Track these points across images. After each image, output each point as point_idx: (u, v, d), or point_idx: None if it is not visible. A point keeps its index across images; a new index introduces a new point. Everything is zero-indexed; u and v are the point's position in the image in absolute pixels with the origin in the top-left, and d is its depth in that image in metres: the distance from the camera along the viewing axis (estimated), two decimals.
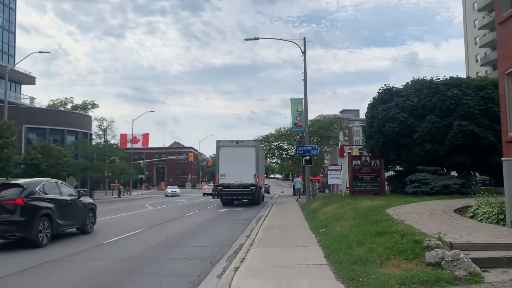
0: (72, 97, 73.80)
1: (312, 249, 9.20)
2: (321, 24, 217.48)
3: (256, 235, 12.01)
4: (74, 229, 13.44)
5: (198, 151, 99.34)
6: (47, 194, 11.89)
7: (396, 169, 24.66)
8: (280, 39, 28.62)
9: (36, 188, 11.56)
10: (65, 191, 13.19)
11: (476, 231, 7.79)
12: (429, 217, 10.21)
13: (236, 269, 7.46)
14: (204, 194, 51.56)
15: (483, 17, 66.01)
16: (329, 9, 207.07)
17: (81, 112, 64.68)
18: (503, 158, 8.44)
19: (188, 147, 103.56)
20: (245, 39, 29.66)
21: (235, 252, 9.71)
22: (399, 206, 13.15)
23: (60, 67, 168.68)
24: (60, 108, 66.89)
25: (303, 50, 27.48)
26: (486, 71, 64.51)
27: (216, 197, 30.41)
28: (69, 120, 51.02)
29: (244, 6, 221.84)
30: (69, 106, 70.12)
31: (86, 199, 14.55)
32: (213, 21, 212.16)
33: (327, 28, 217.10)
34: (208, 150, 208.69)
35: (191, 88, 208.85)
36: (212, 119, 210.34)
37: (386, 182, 23.79)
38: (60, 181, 14.38)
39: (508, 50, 11.39)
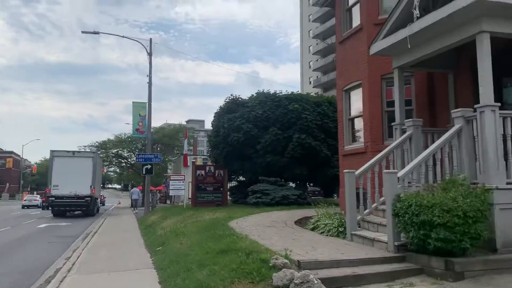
0: None
1: (145, 272, 7.84)
2: (170, 33, 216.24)
3: (78, 256, 10.07)
4: None
5: (21, 156, 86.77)
6: None
7: (239, 179, 24.72)
8: (123, 37, 28.17)
9: None
10: None
11: (320, 245, 7.50)
12: (273, 230, 9.80)
13: None
14: (24, 207, 44.29)
15: (317, 43, 73.52)
16: (178, 19, 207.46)
17: None
18: (344, 170, 8.44)
19: (7, 152, 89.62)
20: (82, 32, 27.25)
21: (46, 281, 7.81)
22: (242, 218, 12.67)
23: None
24: None
25: (148, 52, 26.01)
26: (317, 93, 71.65)
27: (47, 208, 29.46)
28: None
29: (86, 4, 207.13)
30: None
31: None
32: (49, 15, 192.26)
33: (175, 38, 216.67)
34: (33, 156, 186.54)
35: (16, 85, 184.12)
36: (42, 121, 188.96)
37: (228, 193, 23.66)
38: None
39: (346, 68, 11.92)
